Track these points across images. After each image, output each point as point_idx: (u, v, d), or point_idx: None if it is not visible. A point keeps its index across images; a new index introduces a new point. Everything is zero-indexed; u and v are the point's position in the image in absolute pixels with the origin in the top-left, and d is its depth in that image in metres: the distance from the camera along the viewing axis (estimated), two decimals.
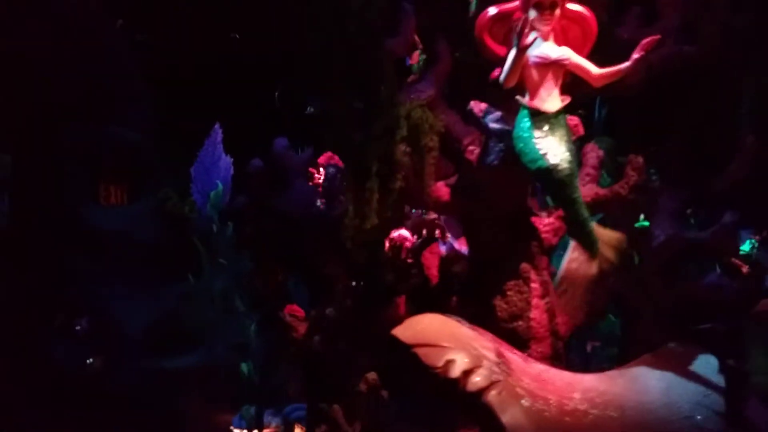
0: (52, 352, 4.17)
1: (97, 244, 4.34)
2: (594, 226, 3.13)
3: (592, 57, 3.76)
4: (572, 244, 3.22)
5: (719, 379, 2.87)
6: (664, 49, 3.73)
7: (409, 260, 3.75)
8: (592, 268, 3.11)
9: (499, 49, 3.21)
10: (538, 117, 3.09)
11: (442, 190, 3.56)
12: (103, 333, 4.10)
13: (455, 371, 2.64)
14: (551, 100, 3.13)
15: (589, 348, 4.47)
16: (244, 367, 3.46)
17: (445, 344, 2.75)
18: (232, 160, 5.03)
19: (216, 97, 5.18)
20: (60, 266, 4.32)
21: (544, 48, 3.13)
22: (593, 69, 3.18)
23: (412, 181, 3.38)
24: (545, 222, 3.54)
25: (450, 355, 2.69)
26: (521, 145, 3.09)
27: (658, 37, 3.05)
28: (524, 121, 3.11)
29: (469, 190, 3.52)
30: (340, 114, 3.14)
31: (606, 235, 3.15)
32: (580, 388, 2.84)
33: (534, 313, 3.42)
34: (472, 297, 3.55)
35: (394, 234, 3.90)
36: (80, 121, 4.59)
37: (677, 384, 2.86)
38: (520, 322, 3.39)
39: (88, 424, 3.70)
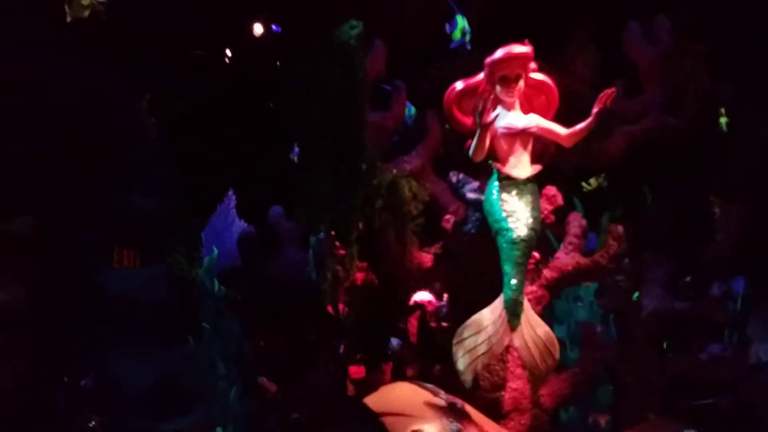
0: (58, 410, 4.32)
1: (105, 306, 4.55)
2: (528, 308, 3.16)
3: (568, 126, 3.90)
4: (495, 307, 3.13)
5: None
6: (647, 121, 3.83)
7: (432, 324, 3.80)
8: (504, 341, 3.09)
9: (468, 121, 3.37)
10: (507, 182, 3.21)
11: (425, 257, 3.65)
12: (106, 392, 4.24)
13: None
14: (521, 167, 3.24)
15: (590, 420, 4.35)
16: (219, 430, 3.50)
17: (412, 414, 2.77)
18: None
19: (226, 166, 5.49)
20: (70, 326, 4.53)
21: (510, 118, 3.27)
22: (561, 130, 3.30)
23: (395, 247, 3.50)
24: (527, 290, 3.55)
25: (415, 426, 2.70)
26: (488, 206, 3.20)
27: (613, 90, 3.17)
28: (494, 185, 3.23)
29: (450, 257, 3.60)
30: (320, 183, 3.30)
31: (540, 327, 3.15)
32: None
33: (516, 384, 3.40)
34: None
35: (416, 297, 3.97)
36: (99, 187, 4.92)
37: None
38: (502, 393, 3.37)
39: None
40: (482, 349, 3.07)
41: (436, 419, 2.76)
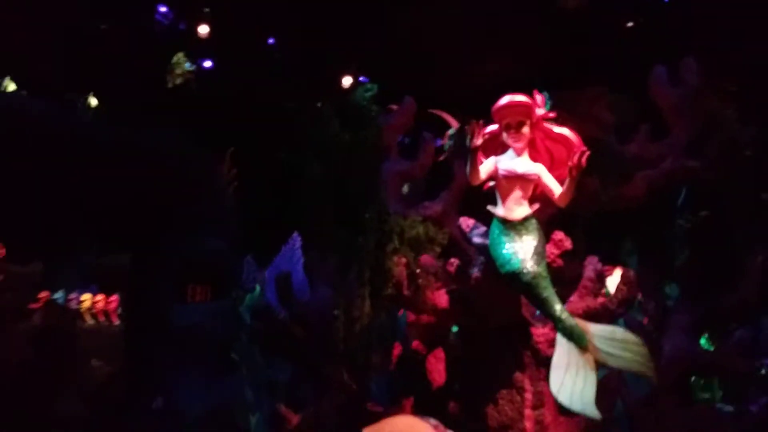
0: (136, 426, 4.92)
1: (175, 336, 5.15)
2: (582, 321, 3.19)
3: (594, 175, 3.97)
4: (558, 339, 3.19)
5: None
6: (667, 164, 3.82)
7: None
8: (586, 359, 3.08)
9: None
10: (507, 224, 3.34)
11: (442, 298, 3.82)
12: (170, 414, 4.76)
13: None
14: (518, 209, 3.37)
15: None
16: None
17: None
18: None
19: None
20: (149, 353, 5.17)
21: (514, 163, 3.41)
22: (557, 189, 3.38)
23: (406, 289, 3.71)
24: (540, 332, 3.60)
25: None
26: (492, 250, 3.33)
27: (585, 150, 3.21)
28: (495, 230, 3.37)
29: (463, 300, 3.74)
30: (333, 229, 3.64)
31: (598, 329, 3.17)
32: None
33: (525, 424, 3.44)
34: (468, 404, 3.66)
35: None
36: (177, 233, 5.63)
37: None
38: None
39: None
40: (580, 381, 3.07)
41: None
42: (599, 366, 3.10)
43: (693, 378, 4.26)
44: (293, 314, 3.90)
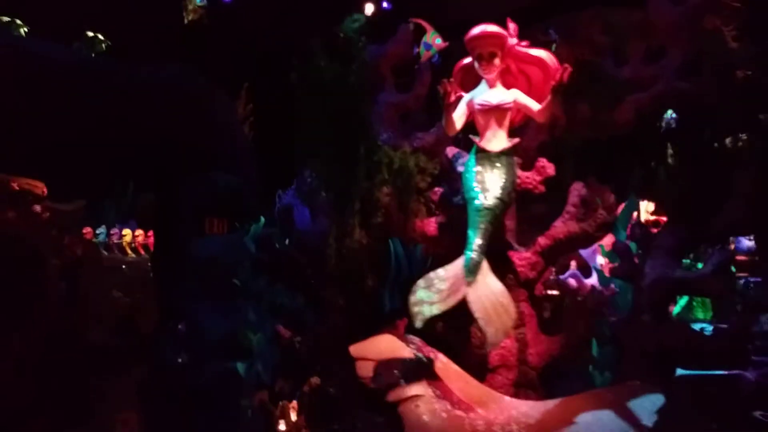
0: (162, 348, 5.35)
1: (195, 266, 5.49)
2: (488, 268, 3.31)
3: (590, 97, 3.95)
4: (459, 260, 3.34)
5: (650, 419, 2.85)
6: (657, 87, 3.75)
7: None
8: (461, 291, 3.24)
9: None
10: (482, 154, 3.42)
11: (431, 225, 3.96)
12: (192, 337, 5.16)
13: (379, 383, 3.07)
14: (496, 141, 3.43)
15: None
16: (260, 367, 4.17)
17: (380, 360, 3.19)
18: None
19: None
20: (172, 283, 5.55)
21: (487, 95, 3.46)
22: (535, 106, 3.41)
23: (396, 217, 3.87)
24: (522, 256, 3.73)
25: (378, 370, 3.13)
26: (464, 178, 3.45)
27: (567, 66, 3.21)
28: (471, 158, 3.46)
29: (452, 226, 3.87)
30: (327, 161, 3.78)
31: (496, 285, 3.29)
32: (508, 412, 3.04)
33: (507, 343, 3.63)
34: (454, 324, 3.86)
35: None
36: (195, 168, 5.90)
37: (604, 418, 2.91)
38: (491, 349, 3.63)
39: (172, 410, 4.70)
40: (435, 299, 3.27)
41: (399, 366, 3.14)
42: (463, 302, 3.24)
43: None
44: (294, 243, 4.13)
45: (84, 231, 5.80)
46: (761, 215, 3.31)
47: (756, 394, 3.69)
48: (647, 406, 2.95)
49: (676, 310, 4.39)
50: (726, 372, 3.68)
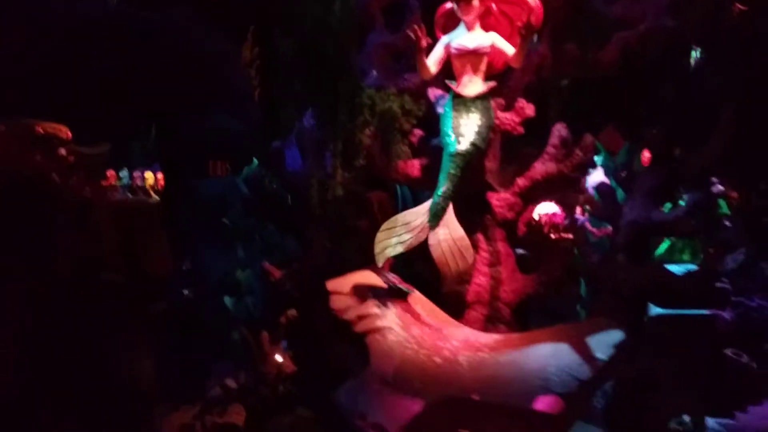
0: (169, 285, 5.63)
1: (198, 206, 5.68)
2: (451, 214, 3.37)
3: (578, 37, 3.88)
4: (426, 203, 3.43)
5: (604, 353, 2.95)
6: (644, 25, 3.65)
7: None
8: (423, 233, 3.34)
9: None
10: (458, 100, 3.43)
11: (414, 167, 4.02)
12: (196, 274, 5.40)
13: (349, 315, 3.22)
14: (471, 85, 3.43)
15: None
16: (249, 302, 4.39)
17: (352, 294, 3.34)
18: None
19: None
20: (177, 222, 5.78)
21: (464, 38, 3.43)
22: (510, 51, 3.38)
23: (379, 159, 3.93)
24: (500, 197, 3.78)
25: (350, 303, 3.28)
26: (441, 123, 3.47)
27: (538, 4, 3.22)
28: (448, 103, 3.47)
29: (435, 169, 3.92)
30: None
31: (457, 232, 3.35)
32: (472, 345, 3.16)
33: (479, 279, 3.74)
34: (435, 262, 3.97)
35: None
36: (197, 113, 6.02)
37: (561, 351, 2.99)
38: (466, 286, 3.74)
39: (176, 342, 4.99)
40: (396, 240, 3.37)
41: (370, 299, 3.29)
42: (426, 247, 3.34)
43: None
44: (283, 184, 4.25)
45: (108, 173, 6.04)
46: (738, 155, 3.27)
47: (731, 334, 3.77)
48: (605, 341, 3.03)
49: (659, 251, 4.42)
50: (702, 312, 3.75)
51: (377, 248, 3.35)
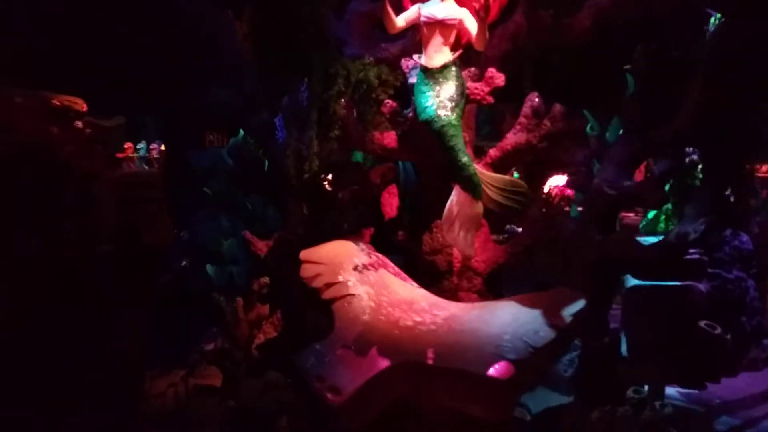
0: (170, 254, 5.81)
1: (193, 177, 5.81)
2: (479, 169, 3.37)
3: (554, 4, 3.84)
4: (455, 187, 3.46)
5: (563, 322, 3.00)
6: None
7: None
8: (476, 208, 3.37)
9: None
10: (427, 72, 3.44)
11: (390, 137, 4.05)
12: (192, 243, 5.55)
13: (317, 283, 3.32)
14: (437, 56, 3.43)
15: None
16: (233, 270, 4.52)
17: (322, 263, 3.43)
18: None
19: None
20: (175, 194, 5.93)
21: (434, 9, 3.43)
22: (474, 30, 3.37)
23: (353, 130, 3.97)
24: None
25: (319, 271, 3.37)
26: (414, 97, 3.48)
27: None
28: (418, 76, 3.48)
29: (410, 139, 3.95)
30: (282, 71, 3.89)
31: (493, 178, 3.38)
32: (436, 313, 3.24)
33: (451, 249, 3.79)
34: (413, 233, 4.04)
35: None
36: (193, 86, 6.10)
37: (520, 319, 3.05)
38: (440, 256, 3.82)
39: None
40: (464, 228, 3.41)
41: (338, 268, 3.38)
42: (485, 212, 3.39)
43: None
44: (266, 154, 4.33)
45: (125, 146, 6.21)
46: (706, 126, 3.24)
47: (707, 305, 3.79)
48: (564, 310, 3.07)
49: (643, 222, 4.42)
50: (678, 283, 3.77)
51: (462, 245, 3.40)
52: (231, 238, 4.51)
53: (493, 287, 3.84)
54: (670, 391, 3.36)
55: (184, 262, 5.58)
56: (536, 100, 3.69)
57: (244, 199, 4.66)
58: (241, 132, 5.18)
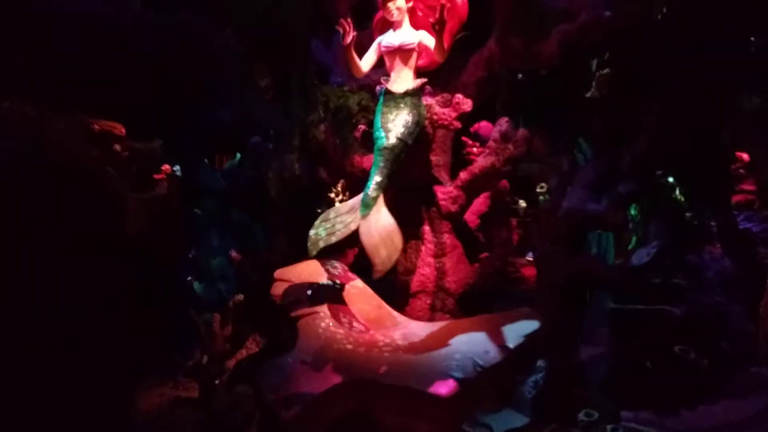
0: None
1: (200, 197, 6.08)
2: (383, 205, 3.47)
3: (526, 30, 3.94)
4: (359, 196, 3.53)
5: (514, 342, 3.05)
6: (582, 17, 3.65)
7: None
8: (353, 223, 3.43)
9: None
10: (388, 97, 3.59)
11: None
12: (203, 264, 5.80)
13: (285, 300, 3.47)
14: (400, 82, 3.58)
15: None
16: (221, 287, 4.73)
17: (293, 281, 3.58)
18: None
19: None
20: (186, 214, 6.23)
21: (391, 37, 3.60)
22: (432, 47, 3.49)
23: (333, 153, 4.13)
24: (445, 191, 3.90)
25: (288, 288, 3.53)
26: (375, 120, 3.62)
27: (443, 6, 3.30)
28: (381, 100, 3.62)
29: None
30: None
31: (387, 221, 3.45)
32: (397, 332, 3.34)
33: (424, 270, 3.90)
34: None
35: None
36: (207, 107, 6.43)
37: (475, 338, 3.12)
38: (412, 276, 3.91)
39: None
40: (329, 231, 3.49)
41: (305, 287, 3.52)
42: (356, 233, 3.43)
43: None
44: (257, 176, 4.55)
45: (163, 168, 6.57)
46: (666, 149, 3.26)
47: (682, 330, 3.76)
48: (518, 331, 3.13)
49: (631, 243, 4.41)
50: (654, 306, 3.76)
51: (310, 240, 3.47)
52: (219, 257, 4.73)
53: (466, 307, 3.91)
54: (625, 413, 3.33)
55: (189, 278, 5.84)
56: (505, 124, 3.78)
57: (236, 218, 4.89)
58: (238, 155, 5.43)
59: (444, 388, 2.82)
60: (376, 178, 3.49)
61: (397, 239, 3.43)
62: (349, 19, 3.50)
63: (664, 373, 3.63)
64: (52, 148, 4.27)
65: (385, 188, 3.49)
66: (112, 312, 4.60)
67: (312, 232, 3.51)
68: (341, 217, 3.52)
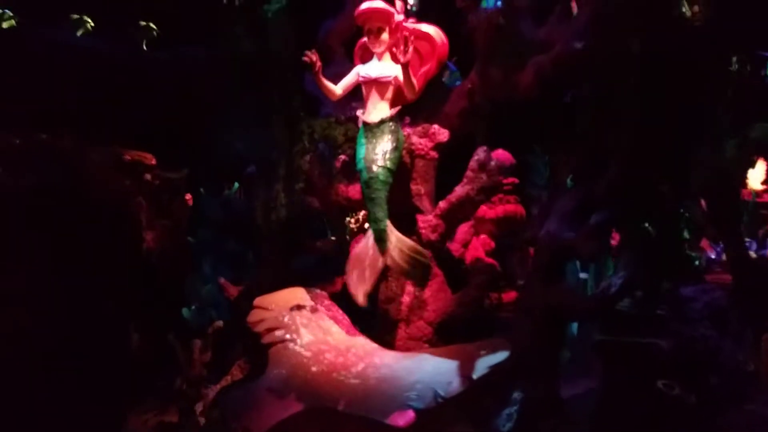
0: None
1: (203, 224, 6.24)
2: (392, 230, 3.53)
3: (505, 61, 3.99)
4: (367, 234, 3.65)
5: (478, 373, 3.02)
6: (556, 48, 3.67)
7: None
8: (377, 262, 3.54)
9: None
10: (366, 127, 3.65)
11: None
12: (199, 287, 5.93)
13: (260, 327, 3.53)
14: (376, 112, 3.65)
15: None
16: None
17: (270, 309, 3.64)
18: None
19: None
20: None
21: (369, 68, 3.68)
22: (406, 86, 3.55)
23: (320, 183, 4.21)
24: (425, 219, 3.92)
25: (264, 316, 3.58)
26: (356, 153, 3.68)
27: (405, 37, 3.37)
28: (360, 131, 3.69)
29: None
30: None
31: (403, 242, 3.54)
32: (366, 360, 3.35)
33: (405, 299, 3.90)
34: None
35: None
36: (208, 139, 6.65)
37: (440, 368, 3.12)
38: (393, 305, 3.92)
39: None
40: (364, 276, 3.59)
41: (283, 315, 3.57)
42: (384, 269, 3.58)
43: None
44: (250, 205, 4.68)
45: (186, 197, 6.82)
46: (636, 179, 3.22)
47: (669, 364, 3.65)
48: (484, 362, 3.11)
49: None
50: (640, 340, 3.67)
51: (354, 291, 3.57)
52: (210, 284, 4.84)
53: (444, 336, 3.89)
54: None
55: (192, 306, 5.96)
56: (482, 154, 3.79)
57: (230, 246, 5.01)
58: (236, 184, 5.59)
59: (402, 419, 2.82)
60: (375, 212, 3.55)
61: (422, 254, 3.53)
62: (314, 50, 3.59)
63: (647, 408, 3.52)
64: (86, 179, 4.41)
65: (387, 216, 3.56)
66: (114, 335, 4.78)
67: (350, 284, 3.60)
68: (365, 262, 3.57)
